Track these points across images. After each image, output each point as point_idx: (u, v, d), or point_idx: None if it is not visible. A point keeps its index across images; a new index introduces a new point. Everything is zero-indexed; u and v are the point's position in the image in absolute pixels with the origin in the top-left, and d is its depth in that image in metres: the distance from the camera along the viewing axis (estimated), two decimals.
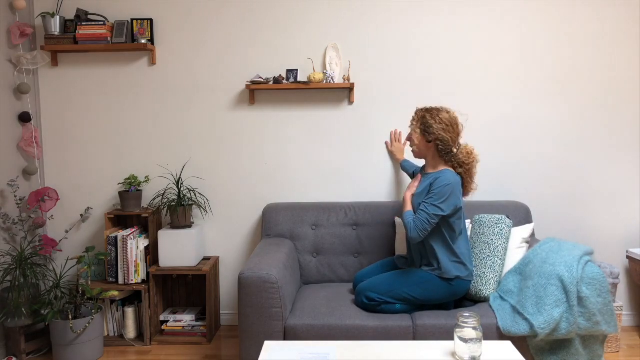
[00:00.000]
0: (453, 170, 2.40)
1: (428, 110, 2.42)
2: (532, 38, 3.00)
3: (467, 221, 2.69)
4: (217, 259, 3.16)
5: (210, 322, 3.00)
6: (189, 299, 3.21)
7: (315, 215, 2.92)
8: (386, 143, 3.09)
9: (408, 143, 3.06)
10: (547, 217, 3.09)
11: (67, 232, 3.20)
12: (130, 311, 3.00)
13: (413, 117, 2.48)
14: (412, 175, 2.84)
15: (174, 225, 2.97)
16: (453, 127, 2.38)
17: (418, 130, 2.42)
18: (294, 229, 2.90)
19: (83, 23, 2.98)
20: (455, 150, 2.41)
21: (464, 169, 2.43)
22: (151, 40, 3.05)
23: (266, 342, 1.96)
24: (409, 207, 2.39)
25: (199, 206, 3.06)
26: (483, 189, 3.09)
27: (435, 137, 2.37)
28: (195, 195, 3.12)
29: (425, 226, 2.27)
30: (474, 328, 1.76)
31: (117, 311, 3.03)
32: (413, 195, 2.43)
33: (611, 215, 3.08)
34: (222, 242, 3.20)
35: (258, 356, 2.28)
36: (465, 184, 2.45)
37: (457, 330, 1.79)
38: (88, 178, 3.18)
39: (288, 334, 2.28)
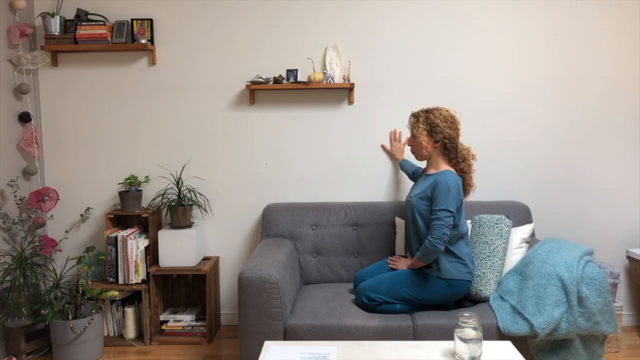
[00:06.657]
0: (454, 171, 2.40)
1: (428, 111, 2.43)
2: (531, 38, 3.00)
3: (467, 221, 2.69)
4: (217, 259, 3.16)
5: (210, 322, 3.00)
6: (189, 299, 3.21)
7: (315, 215, 2.92)
8: (382, 146, 3.08)
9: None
10: (547, 217, 3.09)
11: (67, 232, 3.20)
12: (130, 311, 3.00)
13: (413, 120, 2.47)
14: (412, 176, 2.83)
15: (174, 225, 2.97)
16: (455, 123, 2.42)
17: (424, 132, 2.41)
18: (294, 229, 2.90)
19: (83, 23, 2.98)
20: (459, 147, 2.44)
21: (466, 164, 2.45)
22: (151, 40, 3.05)
23: (266, 342, 1.96)
24: (413, 263, 2.41)
25: (199, 206, 3.06)
26: (483, 189, 3.09)
27: (443, 136, 2.39)
28: (195, 195, 3.12)
29: (445, 231, 2.27)
30: (474, 328, 1.76)
31: (117, 311, 3.03)
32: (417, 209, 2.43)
33: (611, 215, 3.08)
34: (222, 242, 3.20)
35: (258, 356, 2.28)
36: (466, 181, 2.47)
37: (457, 330, 1.79)
38: (88, 178, 3.18)
39: (288, 334, 2.28)
